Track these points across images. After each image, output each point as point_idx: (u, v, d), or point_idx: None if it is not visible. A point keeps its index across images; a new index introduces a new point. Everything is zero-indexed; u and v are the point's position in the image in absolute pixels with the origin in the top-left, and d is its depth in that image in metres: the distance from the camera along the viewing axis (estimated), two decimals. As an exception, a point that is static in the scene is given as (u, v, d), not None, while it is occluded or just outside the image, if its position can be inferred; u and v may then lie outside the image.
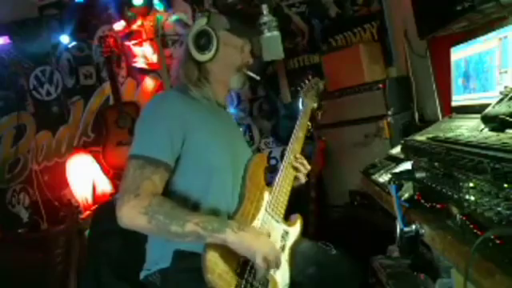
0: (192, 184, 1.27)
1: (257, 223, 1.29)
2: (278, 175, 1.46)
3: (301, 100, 1.76)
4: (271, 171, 1.52)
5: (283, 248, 1.31)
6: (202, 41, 1.35)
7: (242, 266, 1.17)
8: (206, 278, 1.07)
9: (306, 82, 1.83)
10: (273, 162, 3.36)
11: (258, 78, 1.46)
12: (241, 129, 1.61)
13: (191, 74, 1.37)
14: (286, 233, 1.36)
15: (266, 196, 1.38)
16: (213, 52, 1.34)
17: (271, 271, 1.21)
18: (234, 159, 1.35)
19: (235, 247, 1.11)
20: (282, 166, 1.49)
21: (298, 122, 1.63)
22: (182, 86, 1.39)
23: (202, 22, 1.37)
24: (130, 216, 1.13)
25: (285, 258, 1.29)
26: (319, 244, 1.44)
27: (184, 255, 1.20)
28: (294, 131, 1.59)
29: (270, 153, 3.40)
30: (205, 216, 1.16)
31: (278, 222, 1.36)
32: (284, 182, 1.45)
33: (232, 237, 1.10)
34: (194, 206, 1.25)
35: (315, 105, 1.77)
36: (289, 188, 1.46)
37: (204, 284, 1.09)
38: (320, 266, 1.32)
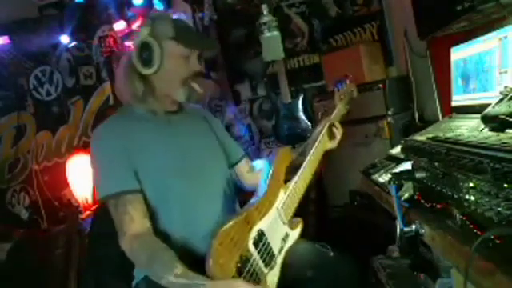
0: (152, 202, 1.27)
1: (266, 220, 1.28)
2: (297, 177, 1.43)
3: (335, 103, 1.65)
4: (294, 168, 1.47)
5: (281, 250, 1.31)
6: (145, 54, 1.26)
7: (244, 261, 1.16)
8: (208, 265, 1.07)
9: (344, 84, 1.70)
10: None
11: (201, 90, 1.35)
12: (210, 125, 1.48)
13: (135, 90, 1.29)
14: (287, 235, 1.35)
15: (281, 194, 1.37)
16: (157, 65, 1.26)
17: (265, 272, 1.21)
18: (188, 170, 1.30)
19: None
20: (302, 168, 1.45)
21: (319, 130, 1.57)
22: (125, 106, 1.36)
23: (144, 32, 1.27)
24: (127, 253, 1.20)
25: (280, 260, 1.29)
26: (317, 246, 1.42)
27: None
28: (318, 140, 1.52)
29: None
30: (179, 276, 1.09)
31: (284, 223, 1.35)
32: (301, 184, 1.44)
33: None
34: (162, 230, 1.26)
35: (345, 112, 1.70)
36: (303, 191, 1.45)
37: None
38: (319, 268, 1.30)
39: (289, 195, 1.38)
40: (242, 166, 1.55)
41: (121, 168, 1.23)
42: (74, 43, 3.65)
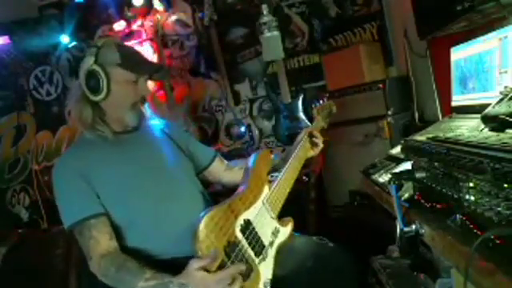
0: (120, 221, 1.29)
1: (253, 211, 1.31)
2: (280, 175, 1.48)
3: (313, 117, 1.75)
4: (274, 170, 1.54)
5: (272, 244, 1.33)
6: (92, 81, 1.27)
7: (232, 246, 1.18)
8: (196, 245, 1.09)
9: (321, 102, 1.81)
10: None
11: (149, 115, 1.42)
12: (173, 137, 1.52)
13: (85, 117, 1.32)
14: (277, 231, 1.38)
15: (266, 189, 1.41)
16: (104, 92, 1.27)
17: (256, 261, 1.23)
18: (148, 184, 1.32)
19: None
20: (284, 168, 1.50)
21: (300, 138, 1.62)
22: (78, 136, 1.42)
23: (89, 61, 1.28)
24: (97, 275, 1.23)
25: (272, 253, 1.31)
26: (314, 238, 1.46)
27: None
28: (299, 146, 1.58)
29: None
30: (148, 279, 1.13)
31: (272, 217, 1.38)
32: (284, 183, 1.48)
33: None
34: (129, 240, 1.29)
35: (325, 125, 1.77)
36: (287, 190, 1.49)
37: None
38: (318, 259, 1.32)
39: (273, 191, 1.41)
40: (217, 166, 1.60)
41: (80, 195, 1.26)
42: (73, 43, 3.65)
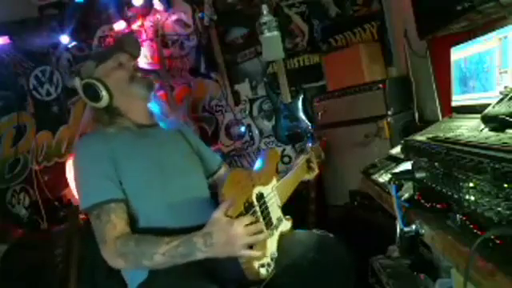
0: (138, 209, 1.30)
1: (265, 189, 1.40)
2: (286, 176, 1.58)
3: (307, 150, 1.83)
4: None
5: (276, 227, 1.39)
6: (90, 92, 1.38)
7: (248, 206, 1.26)
8: (220, 192, 1.16)
9: (316, 144, 1.92)
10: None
11: (146, 76, 1.48)
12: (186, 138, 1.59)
13: (103, 120, 1.41)
14: (281, 219, 1.44)
15: (274, 180, 1.50)
16: (105, 92, 1.37)
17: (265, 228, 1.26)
18: (167, 177, 1.35)
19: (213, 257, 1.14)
20: (290, 172, 1.61)
21: (298, 160, 1.72)
22: (97, 130, 1.43)
23: (77, 83, 1.42)
24: (110, 261, 1.20)
25: (276, 235, 1.36)
26: (315, 231, 1.51)
27: None
28: (298, 165, 1.68)
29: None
30: (170, 241, 1.15)
31: (278, 206, 1.45)
32: (288, 183, 1.56)
33: (203, 255, 1.13)
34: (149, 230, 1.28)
35: (319, 160, 1.85)
36: (292, 188, 1.58)
37: (186, 281, 1.16)
38: (319, 249, 1.35)
39: (280, 183, 1.51)
40: (223, 173, 1.65)
41: (105, 177, 1.26)
42: (73, 43, 3.65)
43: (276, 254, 1.28)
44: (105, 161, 1.27)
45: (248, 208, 1.24)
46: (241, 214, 1.19)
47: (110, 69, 1.41)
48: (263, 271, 1.20)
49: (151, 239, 1.17)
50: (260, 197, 1.34)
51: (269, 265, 1.23)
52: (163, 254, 1.12)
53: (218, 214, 1.13)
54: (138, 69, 1.46)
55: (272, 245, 1.30)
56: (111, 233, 1.20)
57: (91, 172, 1.27)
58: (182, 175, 1.39)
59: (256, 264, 1.18)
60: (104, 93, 1.37)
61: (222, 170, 1.66)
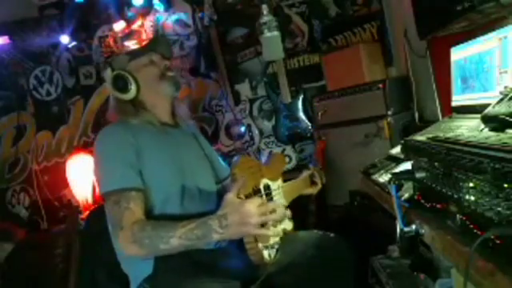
0: (153, 201, 1.31)
1: (272, 184, 1.47)
2: (293, 180, 1.66)
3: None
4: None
5: (280, 221, 1.41)
6: (120, 84, 1.41)
7: (256, 191, 1.34)
8: (232, 171, 1.27)
9: (317, 164, 2.01)
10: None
11: (176, 74, 1.51)
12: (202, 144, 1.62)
13: (128, 111, 1.43)
14: (285, 216, 1.45)
15: (280, 180, 1.56)
16: (134, 85, 1.40)
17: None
18: (185, 176, 1.37)
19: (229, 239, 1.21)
20: (301, 175, 1.72)
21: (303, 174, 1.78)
22: (122, 120, 1.44)
23: (109, 73, 1.44)
24: (124, 248, 1.19)
25: (279, 227, 1.41)
26: (315, 231, 1.53)
27: (163, 258, 1.23)
28: (298, 178, 1.74)
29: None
30: (187, 224, 1.16)
31: (283, 204, 1.50)
32: (293, 187, 1.63)
33: (219, 237, 1.15)
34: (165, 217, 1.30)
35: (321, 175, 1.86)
36: (295, 194, 1.64)
37: (189, 278, 1.17)
38: (319, 247, 1.37)
39: (286, 184, 1.57)
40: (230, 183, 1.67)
41: (129, 165, 1.27)
42: (74, 43, 3.65)
43: (277, 246, 1.32)
44: (129, 149, 1.29)
45: (256, 193, 1.33)
46: (249, 196, 1.25)
47: (142, 65, 1.45)
48: (267, 254, 1.23)
49: (167, 223, 1.19)
50: (268, 188, 1.42)
51: (272, 247, 1.27)
52: (179, 237, 1.13)
53: (231, 196, 1.17)
54: (169, 68, 1.49)
55: (277, 231, 1.35)
56: (129, 219, 1.19)
57: (116, 158, 1.28)
58: (195, 176, 1.41)
59: (260, 245, 1.21)
60: (133, 86, 1.40)
61: (229, 180, 1.66)
